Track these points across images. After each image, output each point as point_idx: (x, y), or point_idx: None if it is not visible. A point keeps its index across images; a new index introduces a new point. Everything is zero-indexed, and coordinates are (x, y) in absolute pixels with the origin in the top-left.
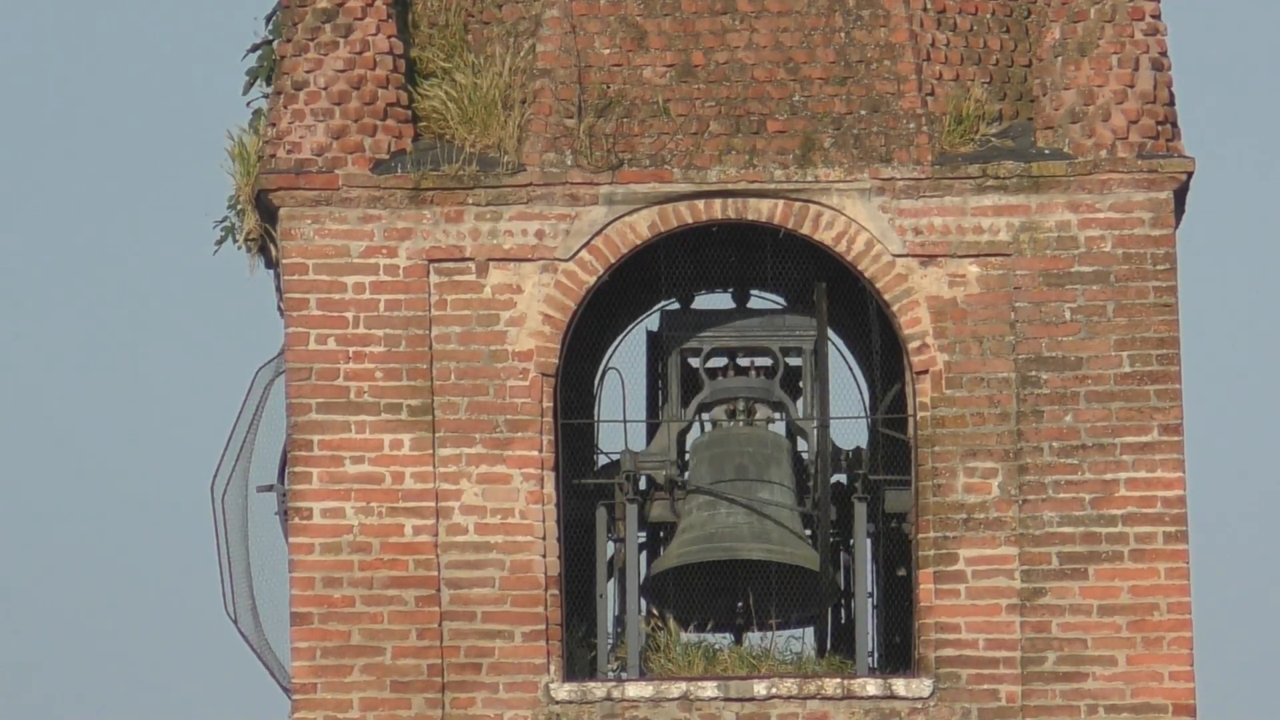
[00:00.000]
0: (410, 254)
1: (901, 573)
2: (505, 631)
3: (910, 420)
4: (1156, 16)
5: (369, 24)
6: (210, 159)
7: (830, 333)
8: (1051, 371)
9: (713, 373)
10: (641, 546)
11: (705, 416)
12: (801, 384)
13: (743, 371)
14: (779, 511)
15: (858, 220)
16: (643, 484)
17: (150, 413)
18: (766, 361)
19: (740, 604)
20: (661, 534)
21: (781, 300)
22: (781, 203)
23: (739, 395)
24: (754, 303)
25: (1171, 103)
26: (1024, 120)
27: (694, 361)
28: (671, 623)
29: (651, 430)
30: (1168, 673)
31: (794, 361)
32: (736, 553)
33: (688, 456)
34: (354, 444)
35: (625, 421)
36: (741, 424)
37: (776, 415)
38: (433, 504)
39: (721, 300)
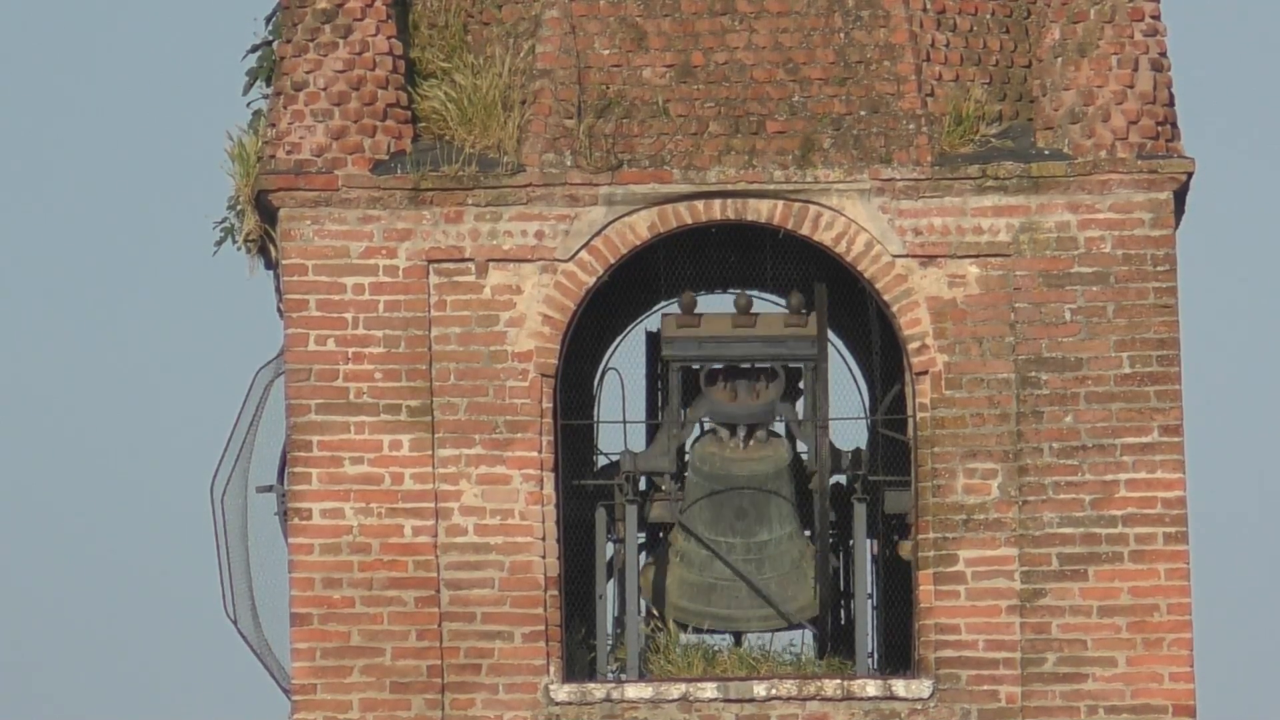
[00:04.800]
0: (410, 254)
1: (902, 573)
2: (505, 632)
3: (910, 421)
4: (1156, 17)
5: (368, 25)
6: (210, 159)
7: (830, 333)
8: (1051, 372)
9: (713, 378)
10: (641, 547)
11: (705, 425)
12: (802, 385)
13: (744, 390)
14: (778, 556)
15: (857, 221)
16: (642, 484)
17: (150, 413)
18: (769, 387)
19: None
20: (661, 534)
21: (779, 301)
22: (781, 203)
23: (739, 420)
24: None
25: (1171, 103)
26: (1024, 121)
27: (695, 365)
28: (671, 623)
29: (651, 431)
30: (1168, 673)
31: (794, 363)
32: (734, 623)
33: (687, 458)
34: (353, 444)
35: (625, 422)
36: (740, 448)
37: (778, 432)
38: (432, 505)
39: (722, 302)
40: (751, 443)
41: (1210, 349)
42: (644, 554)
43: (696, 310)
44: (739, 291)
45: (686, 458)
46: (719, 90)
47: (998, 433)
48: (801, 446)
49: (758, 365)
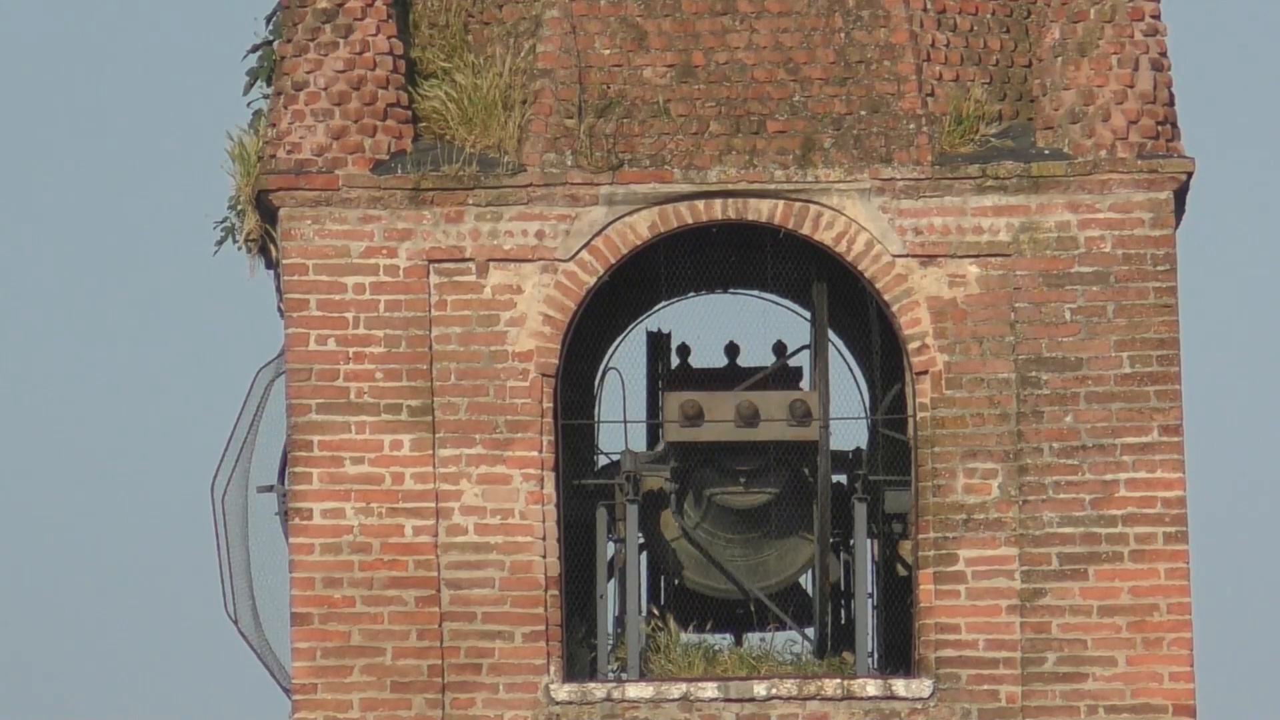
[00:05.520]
0: (410, 254)
1: (902, 573)
2: (505, 632)
3: (910, 421)
4: (1156, 16)
5: (369, 24)
6: (210, 159)
7: (830, 333)
8: (1051, 372)
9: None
10: (641, 547)
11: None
12: (802, 384)
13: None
14: (776, 536)
15: (858, 220)
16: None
17: (151, 413)
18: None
19: (740, 610)
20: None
21: (779, 300)
22: (781, 203)
23: (740, 474)
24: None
25: (1171, 103)
26: (1024, 120)
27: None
28: (671, 623)
29: (652, 431)
30: (1168, 673)
31: (794, 363)
32: (735, 591)
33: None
34: (354, 444)
35: (625, 422)
36: (741, 491)
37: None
38: (433, 504)
39: (723, 306)
40: (752, 488)
41: (1210, 349)
42: (644, 554)
43: (701, 413)
44: (741, 291)
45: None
46: (720, 90)
47: (998, 432)
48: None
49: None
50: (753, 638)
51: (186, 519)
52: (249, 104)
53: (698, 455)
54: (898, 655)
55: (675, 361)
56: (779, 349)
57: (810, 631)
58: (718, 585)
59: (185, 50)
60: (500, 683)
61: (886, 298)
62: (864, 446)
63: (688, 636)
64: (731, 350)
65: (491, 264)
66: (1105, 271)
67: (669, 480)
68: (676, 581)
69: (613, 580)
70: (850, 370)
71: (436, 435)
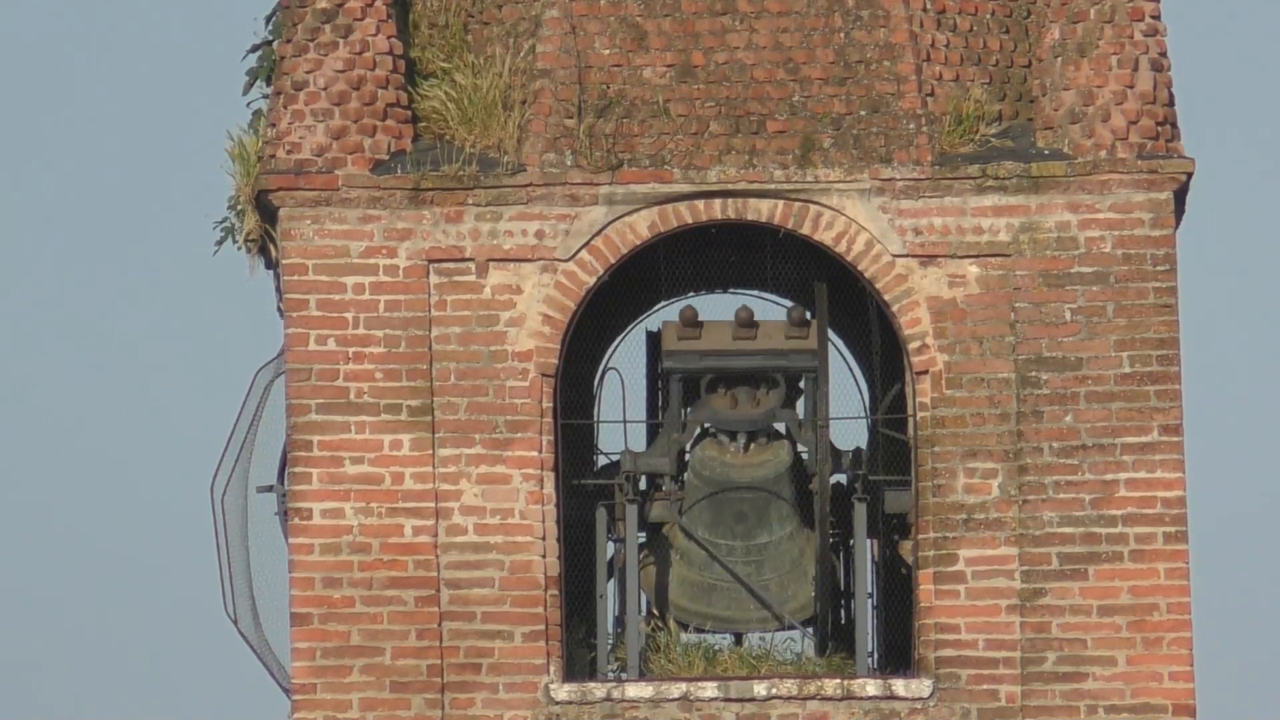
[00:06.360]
0: (410, 254)
1: (902, 573)
2: (505, 632)
3: (910, 420)
4: (1156, 17)
5: (369, 24)
6: (210, 159)
7: (830, 333)
8: (1051, 372)
9: (713, 385)
10: (641, 546)
11: (706, 428)
12: (802, 384)
13: (744, 397)
14: (777, 556)
15: (858, 220)
16: (643, 484)
17: (150, 413)
18: (770, 395)
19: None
20: (662, 529)
21: (780, 301)
22: (781, 203)
23: (739, 428)
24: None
25: (1171, 103)
26: (1024, 120)
27: (696, 366)
28: (671, 623)
29: (652, 431)
30: (1167, 673)
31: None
32: (734, 624)
33: (687, 459)
34: (354, 444)
35: (625, 422)
36: (740, 454)
37: (780, 433)
38: (432, 504)
39: (723, 302)
40: (752, 448)
41: (1210, 349)
42: (644, 551)
43: (698, 319)
44: (741, 291)
45: (686, 459)
46: (719, 90)
47: (998, 432)
48: (802, 447)
49: (760, 396)
50: (752, 637)
51: (186, 519)
52: (249, 104)
53: (699, 416)
54: (898, 655)
55: None
56: None
57: (808, 633)
58: (717, 612)
59: (185, 50)
60: (500, 682)
61: (886, 298)
62: (864, 446)
63: (687, 636)
64: None
65: (491, 264)
66: (1105, 271)
67: (671, 478)
68: (672, 618)
69: (612, 580)
70: (850, 370)
71: (436, 435)
